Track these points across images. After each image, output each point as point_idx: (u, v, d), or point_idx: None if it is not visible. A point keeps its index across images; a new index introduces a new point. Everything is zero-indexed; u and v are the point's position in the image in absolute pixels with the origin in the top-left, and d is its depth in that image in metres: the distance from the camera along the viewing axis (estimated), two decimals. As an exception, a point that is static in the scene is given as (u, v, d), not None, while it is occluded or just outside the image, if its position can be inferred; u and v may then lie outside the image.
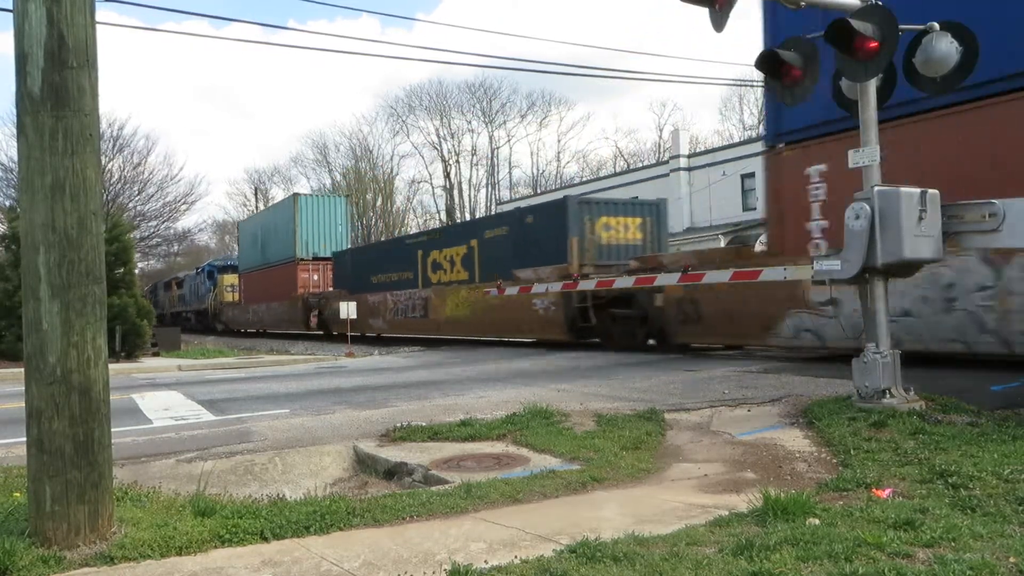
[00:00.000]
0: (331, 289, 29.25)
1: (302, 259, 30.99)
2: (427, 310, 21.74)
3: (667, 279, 14.02)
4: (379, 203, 66.59)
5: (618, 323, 15.56)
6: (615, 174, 49.73)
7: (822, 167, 11.37)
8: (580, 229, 16.86)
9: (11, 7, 3.91)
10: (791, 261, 11.31)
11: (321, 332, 28.50)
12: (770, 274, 11.82)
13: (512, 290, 17.74)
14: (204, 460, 6.25)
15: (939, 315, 9.73)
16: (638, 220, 18.20)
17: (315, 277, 30.91)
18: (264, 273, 34.91)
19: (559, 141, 74.41)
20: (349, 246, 32.43)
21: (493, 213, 26.32)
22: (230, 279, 40.04)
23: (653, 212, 18.58)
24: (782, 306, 11.76)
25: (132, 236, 25.45)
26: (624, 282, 15.01)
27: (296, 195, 33.05)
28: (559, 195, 27.11)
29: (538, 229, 18.00)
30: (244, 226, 40.97)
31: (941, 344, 9.90)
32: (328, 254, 30.86)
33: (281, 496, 5.29)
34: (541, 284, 16.57)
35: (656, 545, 3.61)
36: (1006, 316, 8.99)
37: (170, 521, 4.15)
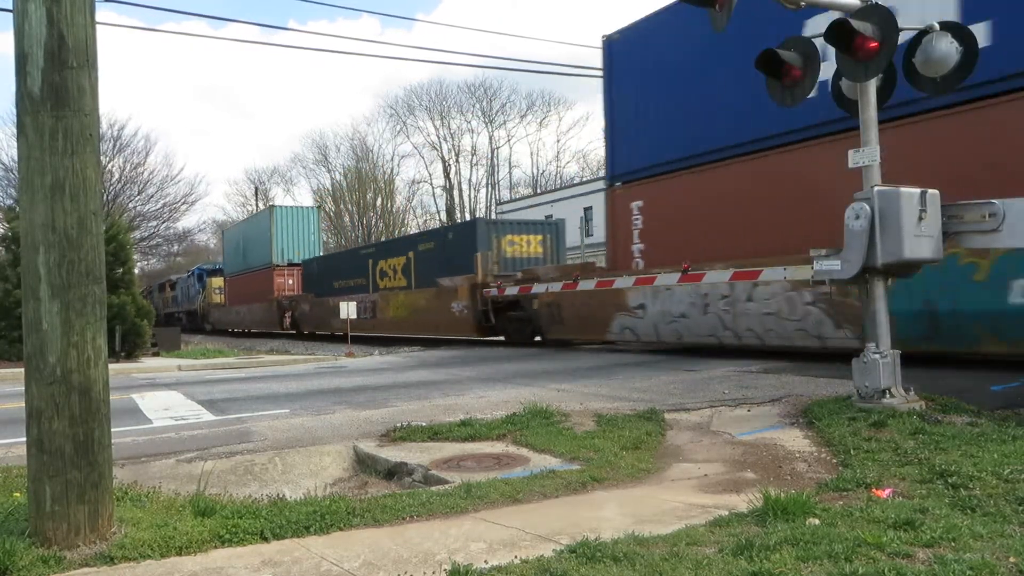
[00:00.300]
0: (300, 293, 32.07)
1: (278, 265, 33.88)
2: (375, 312, 24.87)
3: (539, 288, 17.22)
4: (379, 203, 66.60)
5: (512, 323, 18.95)
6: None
7: (640, 203, 14.94)
8: (488, 245, 20.12)
9: (11, 7, 3.91)
10: (618, 275, 14.50)
11: (294, 331, 31.36)
12: (769, 274, 11.90)
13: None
14: (204, 460, 6.24)
15: (701, 317, 13.17)
16: (539, 237, 21.79)
17: (289, 281, 33.59)
18: (246, 277, 37.68)
19: (559, 141, 74.50)
20: (321, 253, 35.26)
21: (425, 230, 32.16)
22: (217, 282, 42.59)
23: (552, 230, 22.20)
24: (612, 310, 14.91)
25: (131, 236, 25.48)
26: (512, 291, 18.28)
27: (272, 207, 36.24)
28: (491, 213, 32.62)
29: (457, 245, 21.07)
30: (228, 234, 43.72)
31: (703, 338, 13.46)
32: (301, 260, 33.79)
33: (281, 496, 5.29)
34: (455, 291, 19.60)
35: (656, 545, 3.61)
36: (736, 318, 12.62)
37: (170, 521, 4.15)
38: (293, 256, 34.21)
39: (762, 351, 12.82)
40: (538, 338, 18.38)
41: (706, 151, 13.47)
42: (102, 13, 41.22)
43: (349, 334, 23.57)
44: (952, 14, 9.38)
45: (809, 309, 11.56)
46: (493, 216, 41.02)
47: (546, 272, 18.03)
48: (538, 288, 17.23)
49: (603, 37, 16.44)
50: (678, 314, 13.56)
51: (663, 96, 14.62)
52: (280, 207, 36.33)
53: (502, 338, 19.62)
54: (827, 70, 7.87)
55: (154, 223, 46.09)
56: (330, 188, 66.43)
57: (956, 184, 7.90)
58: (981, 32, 9.08)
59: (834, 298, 10.45)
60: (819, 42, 7.22)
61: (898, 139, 9.34)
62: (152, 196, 44.40)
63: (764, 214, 12.38)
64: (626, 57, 15.64)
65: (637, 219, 15.13)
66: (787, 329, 11.89)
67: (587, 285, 15.67)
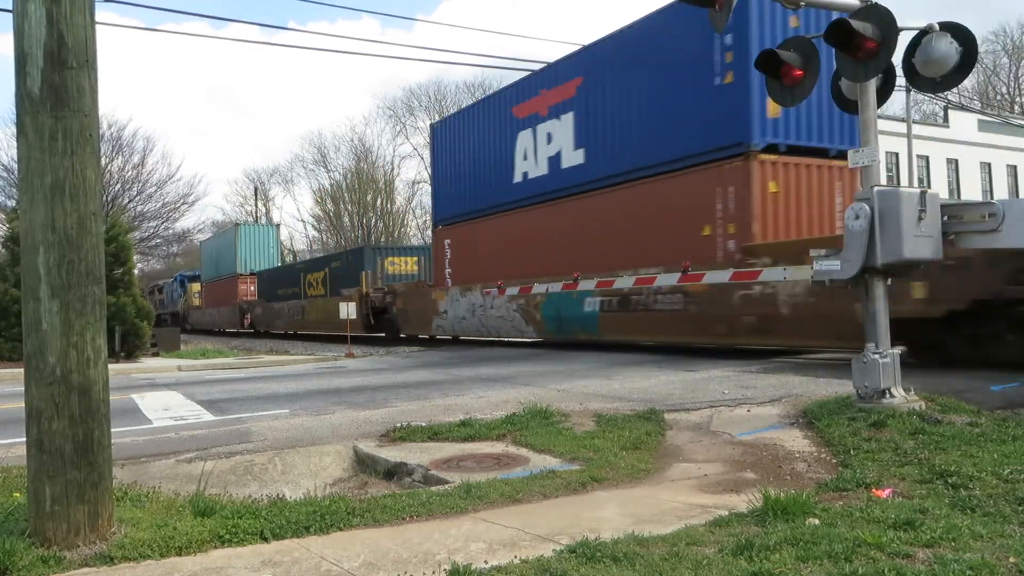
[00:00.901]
0: (256, 299, 38.58)
1: (241, 274, 40.07)
2: (304, 315, 31.76)
3: (397, 297, 24.43)
4: (379, 204, 66.55)
5: (385, 322, 25.02)
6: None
7: (449, 240, 21.44)
8: (373, 266, 27.51)
9: (11, 7, 3.91)
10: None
11: (252, 331, 37.97)
12: (769, 274, 11.95)
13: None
14: (204, 460, 6.24)
15: (472, 319, 19.85)
16: (414, 259, 29.43)
17: (251, 288, 39.67)
18: (217, 284, 44.05)
19: (559, 141, 73.91)
20: (279, 264, 41.81)
21: (336, 253, 38.81)
22: (195, 287, 48.85)
23: (425, 253, 28.65)
24: (431, 314, 21.72)
25: (131, 236, 25.51)
26: (380, 299, 25.29)
27: (237, 225, 45.01)
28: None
29: (352, 264, 28.37)
30: (204, 245, 50.06)
31: (474, 335, 20.73)
32: (259, 271, 40.55)
33: (281, 496, 5.30)
34: (351, 299, 25.45)
35: (656, 545, 3.61)
36: (486, 320, 19.20)
37: (170, 521, 4.15)
38: (255, 267, 40.24)
39: (757, 351, 12.84)
40: (403, 335, 24.77)
41: (481, 207, 19.97)
42: (102, 13, 41.39)
43: (349, 335, 23.66)
44: (570, 143, 16.71)
45: (515, 315, 18.10)
46: (383, 242, 51.11)
47: (399, 287, 25.28)
48: (393, 297, 24.66)
49: (431, 124, 26.12)
50: (461, 317, 20.30)
51: (461, 166, 21.25)
52: (245, 225, 45.16)
53: (383, 334, 25.74)
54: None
55: (153, 223, 46.10)
56: (329, 188, 66.41)
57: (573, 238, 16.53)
58: (580, 155, 16.37)
59: (527, 309, 17.60)
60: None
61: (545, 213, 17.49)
62: (151, 196, 44.42)
63: (521, 251, 18.14)
64: (443, 137, 22.37)
65: (448, 252, 21.43)
66: (506, 326, 18.69)
67: (423, 297, 22.83)
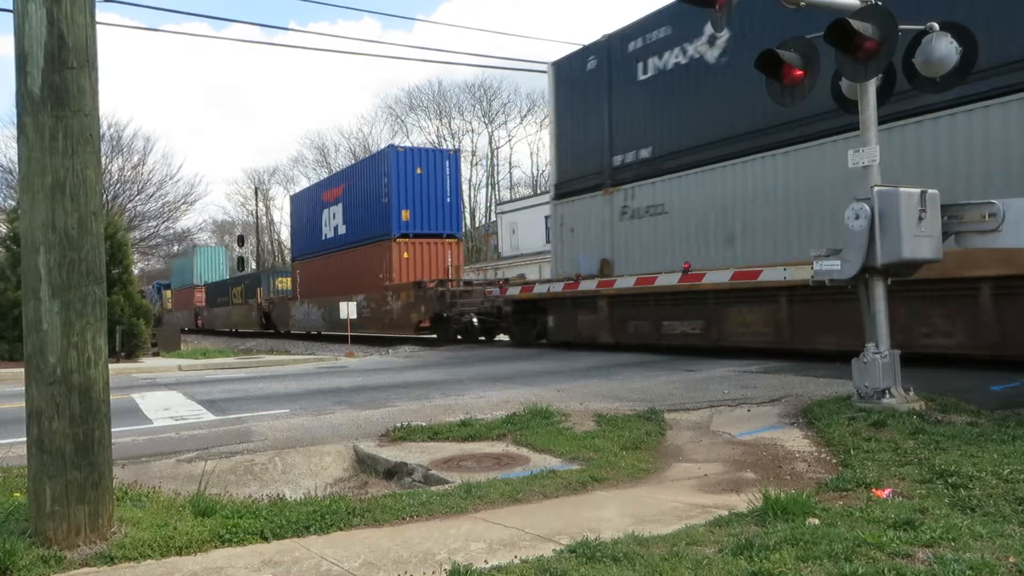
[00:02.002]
0: (203, 304, 49.73)
1: (197, 284, 51.37)
2: (231, 316, 42.70)
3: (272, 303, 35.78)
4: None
5: (271, 322, 35.29)
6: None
7: (299, 270, 33.54)
8: (267, 283, 38.68)
9: (11, 7, 3.91)
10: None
11: (201, 329, 48.12)
12: (769, 274, 11.96)
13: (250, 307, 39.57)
14: (204, 460, 6.24)
15: (304, 319, 30.87)
16: (289, 279, 37.58)
17: (203, 296, 50.27)
18: (181, 292, 55.86)
19: (559, 141, 73.87)
20: (227, 277, 51.01)
21: (247, 274, 47.97)
22: (168, 294, 59.15)
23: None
24: (289, 315, 32.66)
25: (130, 235, 25.51)
26: (268, 306, 35.65)
27: (196, 246, 58.06)
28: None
29: (255, 282, 39.56)
30: (175, 263, 59.51)
31: (303, 329, 31.80)
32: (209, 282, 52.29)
33: (281, 496, 5.30)
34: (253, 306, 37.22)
35: (656, 545, 3.61)
36: (308, 320, 30.65)
37: (170, 521, 4.15)
38: (208, 278, 51.36)
39: (761, 351, 12.82)
40: (281, 331, 34.94)
41: (311, 251, 32.09)
42: (103, 14, 41.43)
43: (350, 335, 23.70)
44: (341, 219, 29.07)
45: (318, 316, 29.02)
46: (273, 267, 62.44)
47: (276, 299, 36.07)
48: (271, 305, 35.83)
49: (290, 195, 40.38)
50: (300, 318, 31.29)
51: (301, 221, 34.05)
52: (201, 247, 58.04)
53: (278, 329, 35.40)
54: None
55: (153, 223, 46.06)
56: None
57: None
58: (344, 227, 28.77)
59: (322, 313, 28.05)
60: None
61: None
62: (152, 196, 44.36)
63: (325, 278, 29.80)
64: (296, 203, 35.40)
65: (298, 277, 33.45)
66: (316, 323, 29.90)
67: (286, 305, 33.53)
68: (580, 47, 17.20)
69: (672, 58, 14.37)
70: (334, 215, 29.47)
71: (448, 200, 25.41)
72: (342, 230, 28.69)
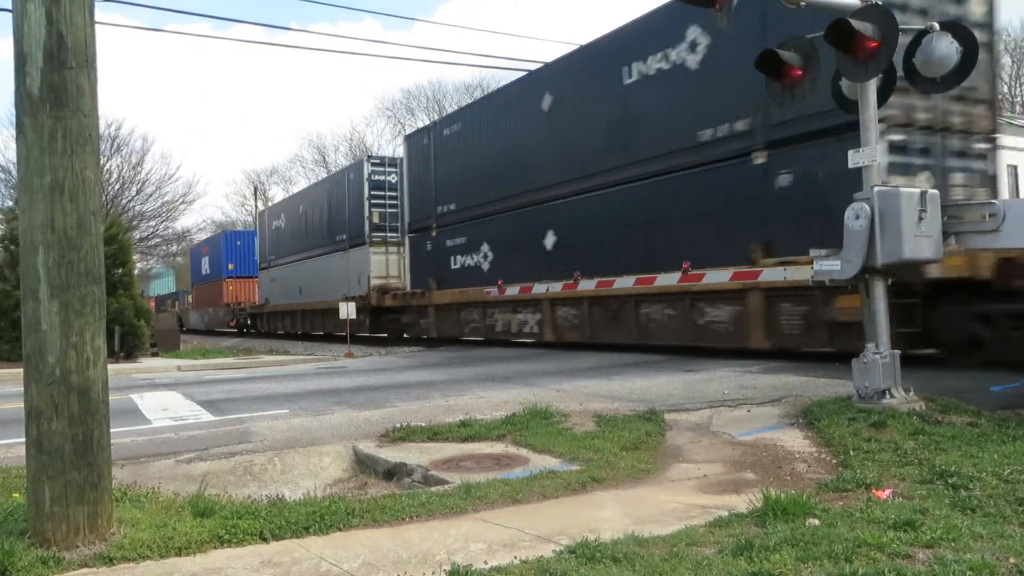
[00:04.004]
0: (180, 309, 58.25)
1: (163, 295, 63.12)
2: (202, 317, 48.26)
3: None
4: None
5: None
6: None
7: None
8: (224, 291, 43.79)
9: (11, 7, 3.90)
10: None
11: (185, 330, 54.19)
12: (769, 274, 11.98)
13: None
14: (203, 461, 6.24)
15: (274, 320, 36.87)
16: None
17: (178, 302, 60.32)
18: (158, 300, 64.60)
19: (558, 141, 73.77)
20: (186, 290, 59.49)
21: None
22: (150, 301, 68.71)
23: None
24: (226, 317, 42.30)
25: (131, 236, 25.55)
26: (249, 310, 40.79)
27: (176, 257, 64.43)
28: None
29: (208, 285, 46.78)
30: (150, 276, 67.71)
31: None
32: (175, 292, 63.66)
33: (280, 497, 5.29)
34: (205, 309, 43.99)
35: (656, 546, 3.61)
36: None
37: (169, 522, 4.15)
38: (171, 290, 64.33)
39: (756, 351, 12.82)
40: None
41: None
42: (102, 13, 41.45)
43: (349, 335, 23.70)
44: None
45: (222, 315, 41.89)
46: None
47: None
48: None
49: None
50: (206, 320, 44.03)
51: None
52: (164, 269, 65.86)
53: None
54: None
55: (153, 223, 45.98)
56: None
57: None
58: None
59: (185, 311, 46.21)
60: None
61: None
62: (151, 196, 44.30)
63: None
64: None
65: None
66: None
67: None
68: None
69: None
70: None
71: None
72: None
